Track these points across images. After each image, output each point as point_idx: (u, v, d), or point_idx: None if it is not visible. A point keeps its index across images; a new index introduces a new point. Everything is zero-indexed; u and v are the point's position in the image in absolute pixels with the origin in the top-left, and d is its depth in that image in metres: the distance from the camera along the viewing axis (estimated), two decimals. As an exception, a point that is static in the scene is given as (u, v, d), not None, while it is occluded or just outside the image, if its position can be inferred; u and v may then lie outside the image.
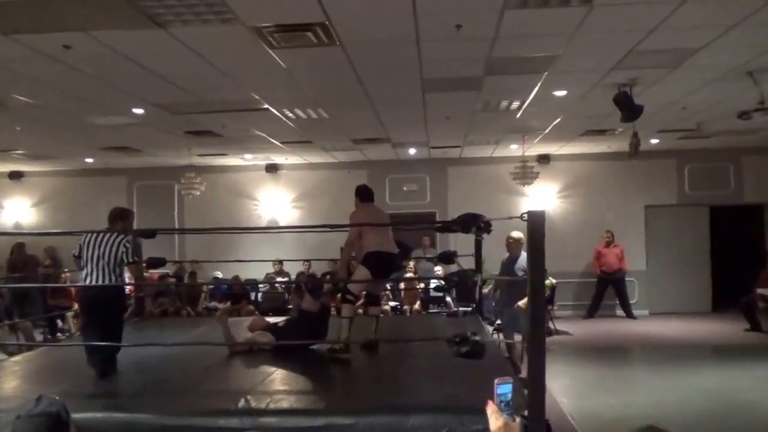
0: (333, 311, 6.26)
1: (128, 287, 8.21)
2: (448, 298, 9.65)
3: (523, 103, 7.19)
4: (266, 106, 6.99)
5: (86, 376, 4.37)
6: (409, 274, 9.91)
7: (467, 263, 6.32)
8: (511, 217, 3.56)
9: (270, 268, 11.02)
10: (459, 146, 10.57)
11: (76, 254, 4.66)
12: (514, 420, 1.60)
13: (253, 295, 10.83)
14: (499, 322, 7.36)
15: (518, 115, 7.87)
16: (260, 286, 10.89)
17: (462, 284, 6.34)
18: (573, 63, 5.55)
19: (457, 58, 5.36)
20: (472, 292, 6.97)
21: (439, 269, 9.99)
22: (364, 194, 5.45)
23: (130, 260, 4.56)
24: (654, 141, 10.08)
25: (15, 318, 8.57)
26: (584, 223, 11.66)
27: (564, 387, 6.35)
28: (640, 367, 8.33)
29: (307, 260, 10.55)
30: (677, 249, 11.71)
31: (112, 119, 7.56)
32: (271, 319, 5.93)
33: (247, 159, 11.49)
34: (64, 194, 12.48)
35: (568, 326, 10.21)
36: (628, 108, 6.25)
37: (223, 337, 5.17)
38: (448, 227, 4.98)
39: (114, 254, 4.50)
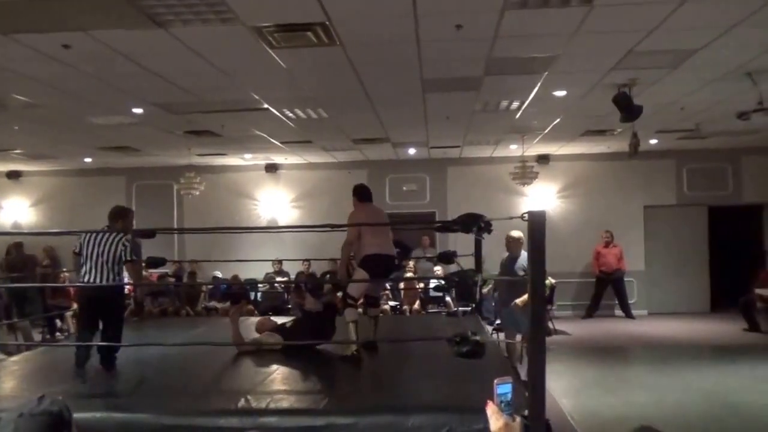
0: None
1: (127, 287, 8.23)
2: (448, 298, 9.66)
3: (522, 103, 7.20)
4: (266, 105, 6.98)
5: (85, 376, 4.38)
6: (408, 274, 9.92)
7: (467, 263, 6.32)
8: (512, 217, 3.56)
9: (269, 268, 11.02)
10: (459, 146, 10.57)
11: (77, 251, 4.73)
12: (514, 420, 1.60)
13: (252, 295, 10.83)
14: (498, 321, 7.37)
15: (518, 116, 7.88)
16: (260, 285, 10.89)
17: (462, 284, 6.34)
18: (573, 63, 5.55)
19: (457, 58, 5.36)
20: (472, 292, 6.98)
21: (438, 269, 9.99)
22: (362, 194, 5.38)
23: (128, 258, 4.61)
24: (653, 141, 10.09)
25: (14, 318, 8.57)
26: (583, 223, 11.67)
27: (563, 387, 6.36)
28: (639, 366, 8.33)
29: (307, 260, 10.55)
30: (676, 249, 11.73)
31: (111, 119, 7.55)
32: (278, 320, 5.92)
33: (246, 159, 11.49)
34: (63, 194, 12.46)
35: (567, 326, 10.22)
36: (628, 108, 6.25)
37: (232, 335, 5.17)
38: (449, 227, 4.98)
39: (113, 252, 4.54)
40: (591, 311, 11.30)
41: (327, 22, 4.36)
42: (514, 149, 10.81)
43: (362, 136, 9.32)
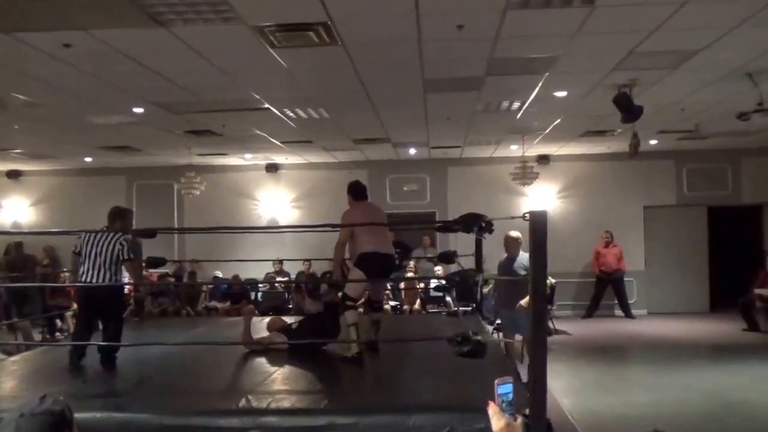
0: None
1: (127, 287, 8.22)
2: (448, 298, 9.66)
3: (523, 103, 7.20)
4: (267, 105, 6.98)
5: (86, 376, 4.38)
6: (409, 274, 9.92)
7: (467, 263, 6.32)
8: (513, 217, 3.55)
9: (270, 268, 11.01)
10: (459, 146, 10.58)
11: (77, 251, 4.76)
12: (515, 420, 1.60)
13: (253, 295, 10.83)
14: (498, 321, 7.37)
15: (518, 116, 7.88)
16: (260, 285, 10.89)
17: (464, 284, 6.33)
18: (574, 63, 5.56)
19: (459, 58, 5.36)
20: (472, 291, 6.97)
21: (439, 269, 10.00)
22: (356, 192, 5.16)
23: (125, 257, 4.64)
24: (653, 142, 10.10)
25: (13, 318, 8.56)
26: (583, 224, 11.68)
27: (564, 386, 6.37)
28: (639, 366, 8.34)
29: (308, 260, 10.54)
30: (676, 249, 11.74)
31: (111, 118, 7.54)
32: (288, 319, 5.92)
33: (247, 159, 11.48)
34: (63, 194, 12.46)
35: (568, 326, 10.23)
36: (628, 109, 6.26)
37: (242, 333, 5.19)
38: (450, 227, 4.95)
39: (111, 252, 4.58)
40: (591, 311, 11.31)
41: (328, 22, 4.36)
42: (514, 149, 10.81)
43: (363, 136, 9.32)
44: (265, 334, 5.39)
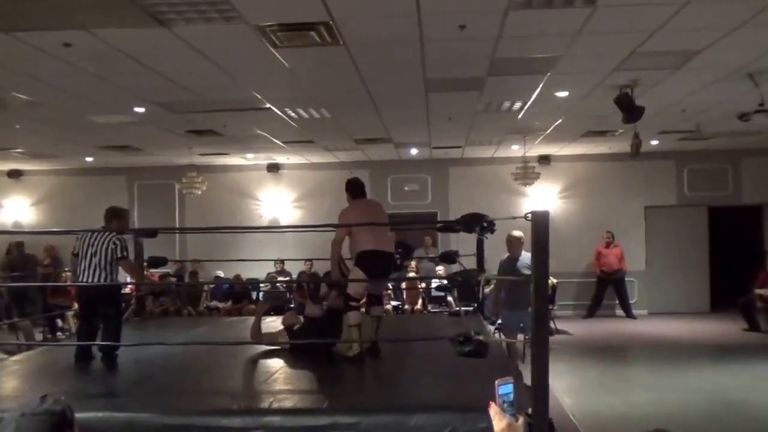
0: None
1: (129, 287, 8.23)
2: (450, 298, 9.66)
3: (524, 103, 7.19)
4: (268, 105, 6.98)
5: (87, 375, 4.38)
6: (411, 274, 9.92)
7: (469, 263, 6.32)
8: (515, 217, 3.55)
9: (272, 268, 11.02)
10: (460, 146, 10.57)
11: (75, 252, 4.83)
12: (517, 420, 1.60)
13: (254, 295, 10.83)
14: (500, 321, 7.36)
15: (520, 116, 7.88)
16: (261, 285, 10.89)
17: (466, 283, 6.33)
18: (575, 64, 5.55)
19: (460, 59, 5.36)
20: (474, 291, 6.97)
21: (440, 269, 9.99)
22: (355, 190, 5.05)
23: (120, 255, 4.70)
24: (654, 142, 10.09)
25: (14, 317, 8.57)
26: (584, 224, 11.68)
27: (565, 386, 6.37)
28: (640, 366, 8.34)
29: (309, 260, 10.54)
30: (677, 249, 11.74)
31: (112, 118, 7.55)
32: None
33: (248, 158, 11.48)
34: (64, 193, 12.46)
35: (569, 326, 10.23)
36: (629, 109, 6.25)
37: (252, 328, 5.24)
38: (452, 227, 4.94)
39: (105, 251, 4.65)
40: (592, 311, 11.31)
41: (330, 22, 4.36)
42: (515, 150, 10.81)
43: (364, 136, 9.32)
44: (272, 331, 5.41)
